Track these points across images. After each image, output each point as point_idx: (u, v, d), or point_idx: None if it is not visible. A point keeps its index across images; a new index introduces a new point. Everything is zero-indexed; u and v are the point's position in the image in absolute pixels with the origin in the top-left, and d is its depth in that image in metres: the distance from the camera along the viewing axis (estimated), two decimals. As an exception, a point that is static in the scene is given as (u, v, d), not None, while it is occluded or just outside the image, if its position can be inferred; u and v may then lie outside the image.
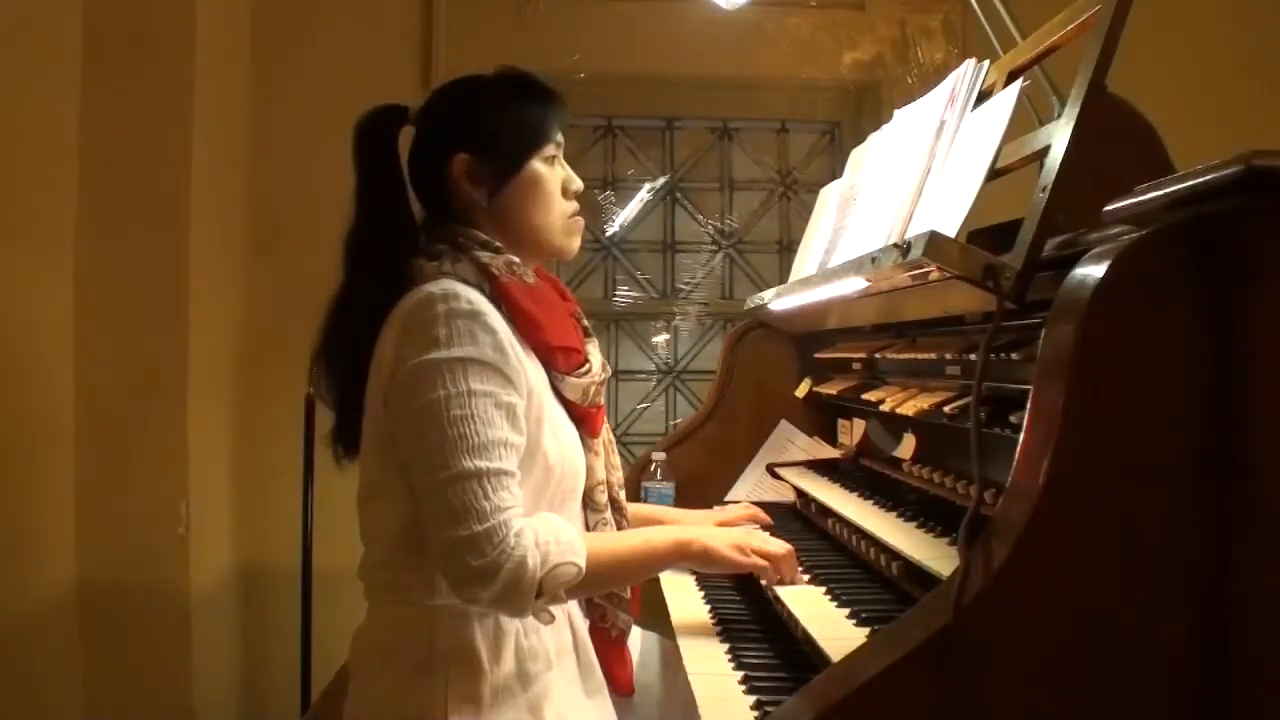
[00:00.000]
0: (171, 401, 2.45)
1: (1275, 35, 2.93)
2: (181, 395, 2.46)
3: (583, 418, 1.35)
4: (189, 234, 2.46)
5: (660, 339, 3.21)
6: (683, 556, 1.34)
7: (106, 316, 2.39)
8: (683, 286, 3.21)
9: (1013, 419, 1.09)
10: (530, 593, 1.13)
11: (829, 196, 2.03)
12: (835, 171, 2.65)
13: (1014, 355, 1.12)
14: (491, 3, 2.90)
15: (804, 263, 2.02)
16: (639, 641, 1.57)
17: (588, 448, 1.36)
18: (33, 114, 2.23)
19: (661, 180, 3.20)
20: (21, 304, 2.19)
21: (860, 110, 3.11)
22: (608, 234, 3.18)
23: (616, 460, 1.46)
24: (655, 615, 1.59)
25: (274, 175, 2.78)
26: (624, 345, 3.20)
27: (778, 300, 1.93)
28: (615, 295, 3.18)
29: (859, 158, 1.89)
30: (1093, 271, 0.87)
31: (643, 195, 3.20)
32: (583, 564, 1.17)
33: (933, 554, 1.19)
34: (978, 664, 0.84)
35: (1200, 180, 0.84)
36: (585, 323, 1.44)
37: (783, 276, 2.73)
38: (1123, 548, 0.86)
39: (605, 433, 1.42)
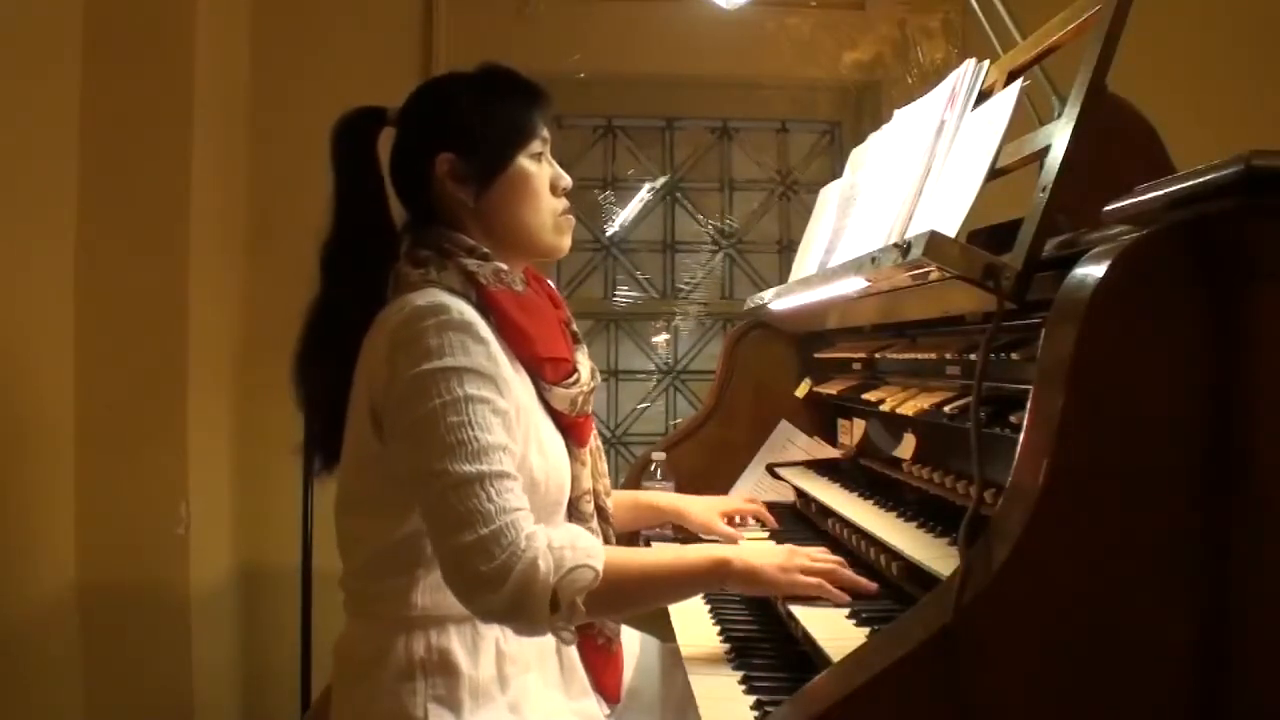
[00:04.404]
0: (171, 402, 2.45)
1: (1275, 35, 2.93)
2: (181, 395, 2.46)
3: (570, 427, 1.32)
4: (189, 234, 2.46)
5: (660, 339, 3.20)
6: (721, 577, 1.24)
7: (106, 316, 2.39)
8: (683, 286, 3.20)
9: (1013, 419, 1.09)
10: (544, 600, 1.06)
11: (829, 196, 2.03)
12: (835, 171, 2.65)
13: (1014, 355, 1.12)
14: (491, 3, 2.90)
15: (804, 263, 2.02)
16: (637, 646, 1.57)
17: (574, 457, 1.33)
18: (32, 113, 2.23)
19: (661, 180, 3.20)
20: (21, 304, 2.19)
21: (860, 110, 3.11)
22: (608, 234, 3.18)
23: (604, 467, 1.43)
24: (654, 615, 1.59)
25: (274, 175, 2.78)
26: (624, 345, 3.19)
27: (778, 300, 1.93)
28: (615, 295, 3.18)
29: (859, 158, 1.89)
30: (1093, 271, 0.87)
31: (643, 195, 3.20)
32: (600, 568, 1.10)
33: (933, 554, 1.19)
34: (978, 664, 0.84)
35: (1200, 180, 0.84)
36: (575, 328, 1.41)
37: (783, 276, 2.73)
38: (1122, 548, 0.86)
39: (593, 440, 1.39)
